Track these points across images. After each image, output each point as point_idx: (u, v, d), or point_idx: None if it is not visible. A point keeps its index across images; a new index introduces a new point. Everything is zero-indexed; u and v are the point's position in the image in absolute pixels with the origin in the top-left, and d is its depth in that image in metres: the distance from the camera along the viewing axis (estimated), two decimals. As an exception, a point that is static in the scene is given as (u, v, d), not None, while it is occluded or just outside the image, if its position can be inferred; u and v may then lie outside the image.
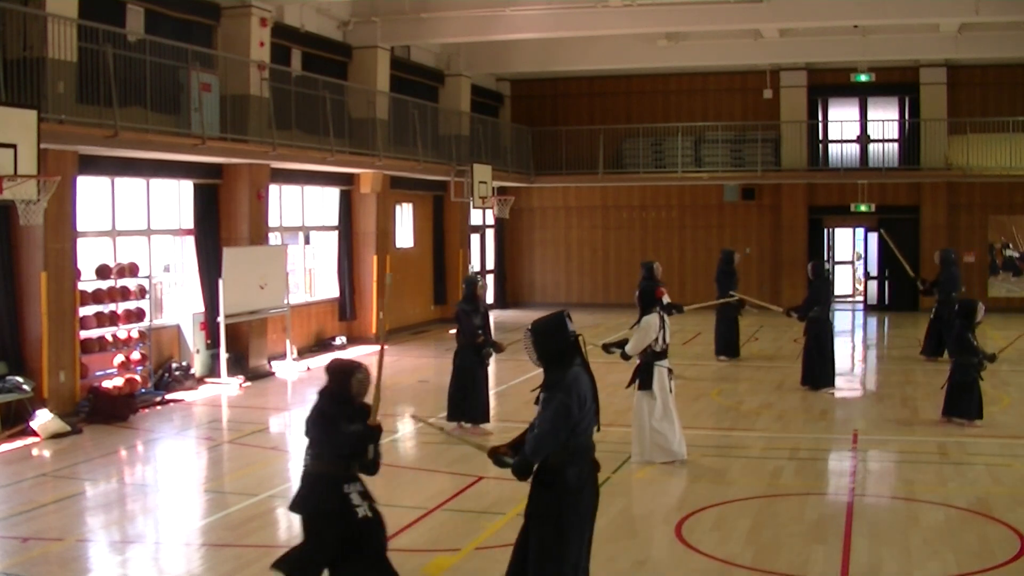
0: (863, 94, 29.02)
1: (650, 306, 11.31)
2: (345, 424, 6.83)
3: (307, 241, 21.86)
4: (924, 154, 27.61)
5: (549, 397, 6.04)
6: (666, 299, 11.65)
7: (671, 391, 11.37)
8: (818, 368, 15.85)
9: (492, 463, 6.32)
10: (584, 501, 6.06)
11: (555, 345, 6.12)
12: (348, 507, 6.78)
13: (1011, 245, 27.74)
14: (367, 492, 6.93)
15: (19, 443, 12.70)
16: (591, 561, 6.35)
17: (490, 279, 29.79)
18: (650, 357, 11.22)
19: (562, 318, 6.25)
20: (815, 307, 15.82)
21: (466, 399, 12.85)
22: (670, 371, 11.38)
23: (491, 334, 13.25)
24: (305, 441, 7.03)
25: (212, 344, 17.21)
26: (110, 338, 15.24)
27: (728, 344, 19.09)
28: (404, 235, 25.01)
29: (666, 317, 11.42)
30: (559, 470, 6.01)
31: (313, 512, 6.89)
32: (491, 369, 13.81)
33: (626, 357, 11.43)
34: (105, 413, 14.07)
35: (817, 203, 28.74)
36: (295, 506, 7.01)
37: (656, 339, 11.13)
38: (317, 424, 6.95)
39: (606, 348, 11.82)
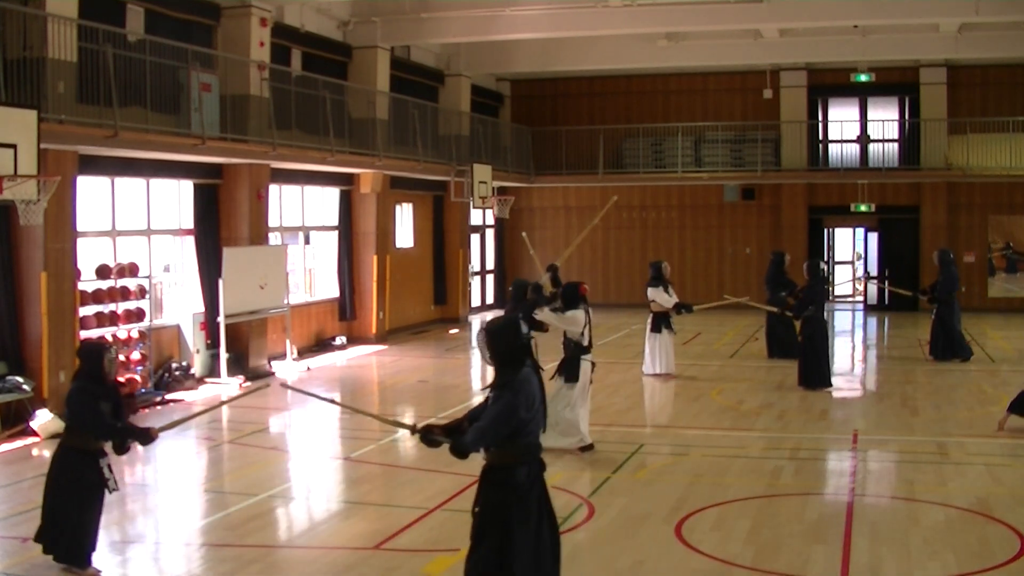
0: (863, 94, 28.99)
1: (573, 303, 11.74)
2: (102, 403, 7.70)
3: (307, 241, 21.85)
4: (924, 154, 27.57)
5: (499, 395, 6.28)
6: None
7: (591, 382, 11.91)
8: (814, 368, 15.86)
9: (420, 440, 6.55)
10: (532, 498, 6.28)
11: (508, 346, 6.37)
12: (103, 479, 7.73)
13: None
14: (110, 466, 7.86)
15: (19, 443, 12.69)
16: (588, 563, 6.35)
17: (490, 279, 29.81)
18: (576, 351, 11.70)
19: (516, 321, 6.61)
20: (810, 306, 15.87)
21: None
22: (593, 364, 11.91)
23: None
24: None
25: (212, 344, 17.21)
26: (110, 338, 15.23)
27: (789, 345, 18.60)
28: (404, 235, 25.01)
29: (590, 312, 11.91)
30: (510, 469, 6.25)
31: (76, 484, 7.64)
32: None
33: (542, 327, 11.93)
34: (105, 413, 14.07)
35: (817, 203, 28.70)
36: (57, 478, 7.72)
37: (582, 333, 11.65)
38: (76, 402, 7.70)
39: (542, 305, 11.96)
